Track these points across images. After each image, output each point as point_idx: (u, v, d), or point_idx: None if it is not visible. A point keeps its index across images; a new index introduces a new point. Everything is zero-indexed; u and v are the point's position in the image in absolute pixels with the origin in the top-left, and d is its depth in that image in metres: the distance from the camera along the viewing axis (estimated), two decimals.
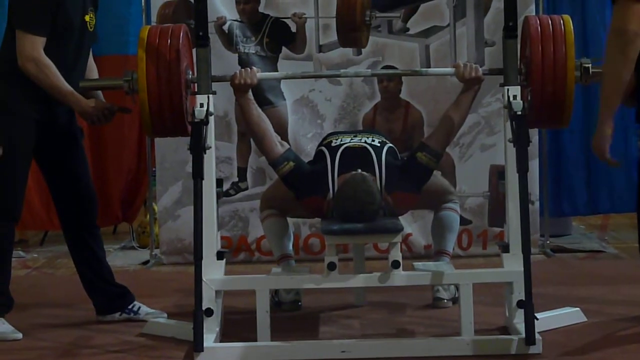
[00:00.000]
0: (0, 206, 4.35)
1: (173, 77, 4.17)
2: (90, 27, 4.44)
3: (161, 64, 4.17)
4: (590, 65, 4.20)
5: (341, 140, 4.52)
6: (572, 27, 4.19)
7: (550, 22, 4.21)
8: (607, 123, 3.67)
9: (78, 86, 4.35)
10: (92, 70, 4.59)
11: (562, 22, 4.21)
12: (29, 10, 4.25)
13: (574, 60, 4.16)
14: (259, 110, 4.43)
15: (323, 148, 4.52)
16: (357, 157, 4.38)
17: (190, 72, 4.32)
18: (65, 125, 4.47)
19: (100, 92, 4.49)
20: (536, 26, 4.19)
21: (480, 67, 4.39)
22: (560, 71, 4.14)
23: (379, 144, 4.49)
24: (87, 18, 4.42)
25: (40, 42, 4.24)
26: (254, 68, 4.42)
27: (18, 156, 4.34)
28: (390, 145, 4.54)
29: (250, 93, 4.39)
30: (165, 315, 4.65)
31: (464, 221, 5.95)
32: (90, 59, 4.58)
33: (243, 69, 4.38)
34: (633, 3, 3.53)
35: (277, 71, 6.06)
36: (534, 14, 6.01)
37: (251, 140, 5.68)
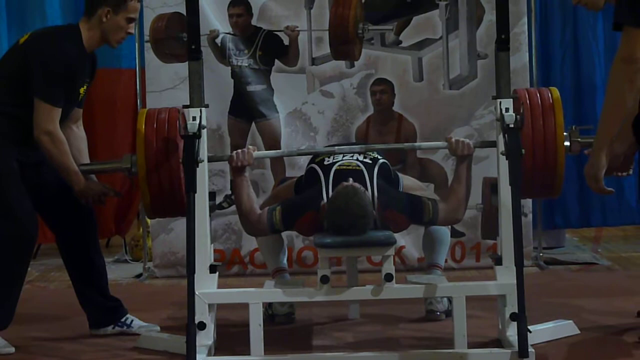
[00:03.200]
0: (7, 227, 4.35)
1: (172, 161, 4.25)
2: (80, 98, 4.53)
3: (159, 150, 4.25)
4: (579, 139, 4.29)
5: (333, 158, 4.50)
6: (560, 101, 4.26)
7: (539, 96, 4.27)
8: (603, 151, 3.56)
9: None
10: (83, 141, 4.61)
11: (550, 95, 4.27)
12: (52, 81, 4.31)
13: (564, 133, 4.24)
14: (250, 189, 4.43)
15: (315, 166, 4.49)
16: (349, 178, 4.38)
17: None
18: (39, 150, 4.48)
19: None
20: (526, 102, 4.24)
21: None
22: (551, 146, 4.21)
23: (370, 161, 4.47)
24: (81, 90, 4.50)
25: (57, 113, 4.33)
26: (250, 147, 4.44)
27: (7, 177, 4.35)
28: (383, 160, 4.51)
29: (246, 173, 4.43)
30: (158, 328, 4.65)
31: (457, 233, 5.96)
32: (81, 129, 4.63)
33: (240, 150, 4.40)
34: None
35: (270, 83, 6.10)
36: (526, 27, 6.06)
37: None
